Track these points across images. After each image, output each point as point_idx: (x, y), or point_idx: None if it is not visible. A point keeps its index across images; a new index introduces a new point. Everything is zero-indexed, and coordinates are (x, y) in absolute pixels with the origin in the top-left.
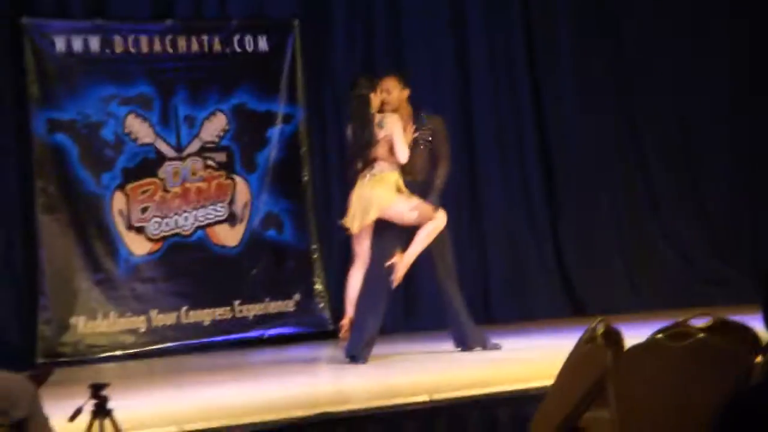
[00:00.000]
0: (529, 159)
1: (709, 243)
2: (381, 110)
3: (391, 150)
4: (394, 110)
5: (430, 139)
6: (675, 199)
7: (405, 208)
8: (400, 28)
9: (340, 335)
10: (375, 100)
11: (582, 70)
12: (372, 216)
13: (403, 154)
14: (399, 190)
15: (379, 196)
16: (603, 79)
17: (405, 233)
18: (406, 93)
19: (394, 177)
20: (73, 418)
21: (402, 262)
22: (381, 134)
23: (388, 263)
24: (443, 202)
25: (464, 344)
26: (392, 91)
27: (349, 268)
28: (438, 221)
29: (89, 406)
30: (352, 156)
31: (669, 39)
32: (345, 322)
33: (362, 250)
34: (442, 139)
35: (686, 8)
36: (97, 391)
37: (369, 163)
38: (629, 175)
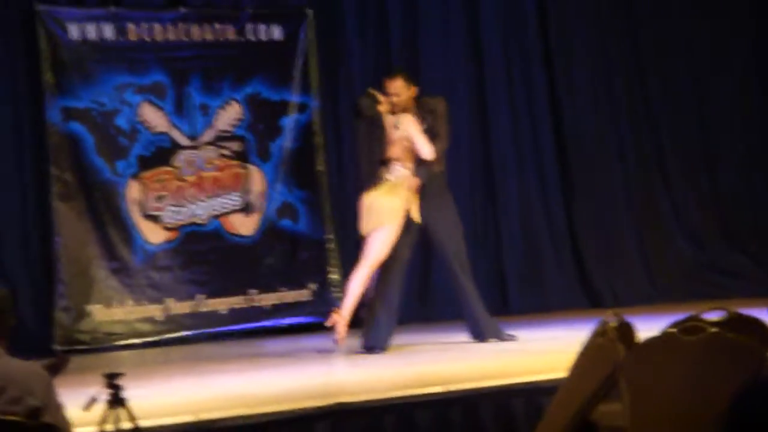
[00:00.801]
0: (545, 150)
1: (724, 234)
2: (391, 112)
3: (408, 150)
4: (404, 110)
5: (430, 120)
6: (690, 189)
7: (380, 239)
8: (414, 15)
9: (336, 327)
10: (383, 108)
11: (598, 57)
12: (373, 226)
13: (427, 151)
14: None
15: (383, 211)
16: (618, 60)
17: (414, 230)
18: (413, 91)
19: (407, 183)
20: (87, 407)
21: (342, 321)
22: (396, 135)
23: (329, 323)
24: (456, 195)
25: (480, 336)
26: (401, 93)
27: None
28: (367, 270)
29: (104, 395)
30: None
31: (687, 19)
32: (337, 318)
33: (368, 249)
34: (441, 118)
35: None
36: (111, 380)
37: (385, 164)
38: (644, 164)
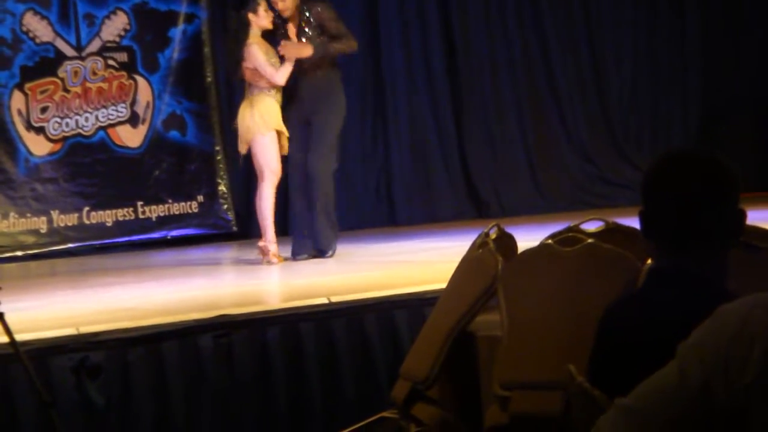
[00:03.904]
0: (435, 63)
1: (611, 145)
2: (275, 23)
3: (261, 76)
4: (292, 16)
5: (320, 30)
6: (578, 100)
7: (261, 152)
8: None
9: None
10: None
11: None
12: (246, 142)
13: (276, 78)
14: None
15: (249, 125)
16: None
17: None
18: None
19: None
20: None
21: (273, 245)
22: (245, 65)
23: (265, 260)
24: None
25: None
26: None
27: (252, 170)
28: (270, 186)
29: None
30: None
31: None
32: (265, 248)
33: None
34: (331, 20)
35: None
36: None
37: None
38: (533, 78)
